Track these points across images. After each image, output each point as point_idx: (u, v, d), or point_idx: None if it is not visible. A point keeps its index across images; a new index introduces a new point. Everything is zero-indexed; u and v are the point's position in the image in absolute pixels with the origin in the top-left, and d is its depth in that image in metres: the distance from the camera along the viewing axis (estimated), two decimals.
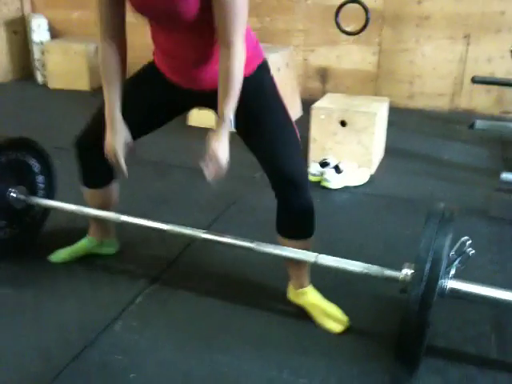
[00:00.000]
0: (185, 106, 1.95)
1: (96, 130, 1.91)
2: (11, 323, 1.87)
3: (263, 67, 1.80)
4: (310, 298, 1.90)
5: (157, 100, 1.88)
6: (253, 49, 1.74)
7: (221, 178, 1.68)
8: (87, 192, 2.09)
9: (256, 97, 1.75)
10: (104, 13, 1.71)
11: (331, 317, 1.84)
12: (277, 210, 1.78)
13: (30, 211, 2.27)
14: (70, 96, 4.81)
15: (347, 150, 3.12)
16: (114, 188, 2.10)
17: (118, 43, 1.77)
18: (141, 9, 1.62)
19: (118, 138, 1.82)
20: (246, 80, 1.66)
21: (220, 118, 1.64)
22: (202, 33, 1.63)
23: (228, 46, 1.58)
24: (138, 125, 1.88)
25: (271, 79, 1.82)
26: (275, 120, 1.76)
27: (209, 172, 1.64)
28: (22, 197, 2.16)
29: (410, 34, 4.32)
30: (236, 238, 1.83)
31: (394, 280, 1.64)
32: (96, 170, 2.03)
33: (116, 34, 1.75)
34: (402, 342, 1.55)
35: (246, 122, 1.73)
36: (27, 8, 5.45)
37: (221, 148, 1.64)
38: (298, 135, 1.79)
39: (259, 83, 1.77)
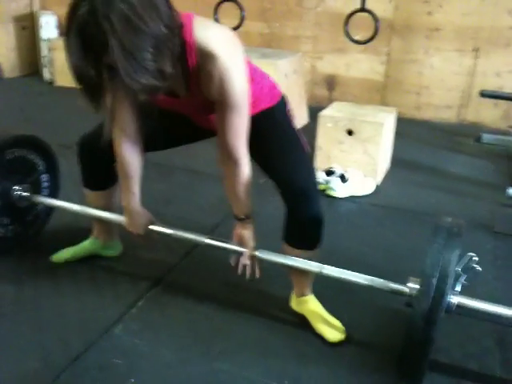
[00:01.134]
0: (203, 134, 1.92)
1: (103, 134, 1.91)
2: (11, 321, 1.85)
3: (281, 103, 1.82)
4: (311, 305, 1.89)
5: (178, 120, 1.84)
6: (269, 90, 1.78)
7: (257, 273, 1.80)
8: (88, 193, 2.08)
9: (270, 125, 1.77)
10: (121, 118, 1.68)
11: (330, 325, 1.83)
12: (285, 219, 1.76)
13: (33, 209, 2.26)
14: (76, 94, 4.79)
15: (353, 159, 3.10)
16: (116, 190, 2.08)
17: (135, 142, 1.73)
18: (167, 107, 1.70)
19: (138, 223, 1.86)
20: (263, 113, 1.73)
21: (239, 220, 1.73)
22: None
23: (234, 161, 1.61)
24: (154, 138, 1.83)
25: (288, 112, 1.83)
26: (285, 135, 1.78)
27: (241, 267, 1.77)
28: (25, 195, 2.15)
29: (419, 44, 4.32)
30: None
31: (399, 293, 1.63)
32: (98, 172, 2.02)
33: (132, 134, 1.72)
34: (406, 356, 1.54)
35: (259, 145, 1.73)
36: (36, 4, 5.46)
37: (246, 234, 1.74)
38: (307, 148, 1.80)
39: (274, 115, 1.78)
